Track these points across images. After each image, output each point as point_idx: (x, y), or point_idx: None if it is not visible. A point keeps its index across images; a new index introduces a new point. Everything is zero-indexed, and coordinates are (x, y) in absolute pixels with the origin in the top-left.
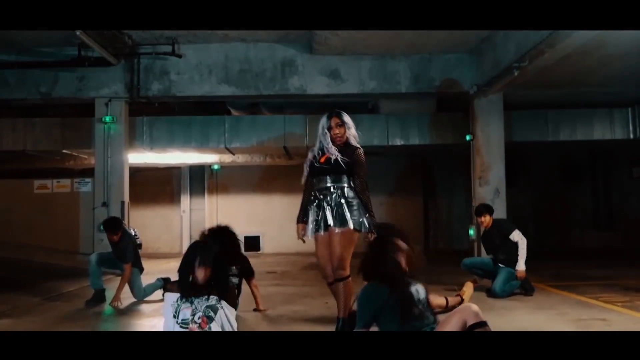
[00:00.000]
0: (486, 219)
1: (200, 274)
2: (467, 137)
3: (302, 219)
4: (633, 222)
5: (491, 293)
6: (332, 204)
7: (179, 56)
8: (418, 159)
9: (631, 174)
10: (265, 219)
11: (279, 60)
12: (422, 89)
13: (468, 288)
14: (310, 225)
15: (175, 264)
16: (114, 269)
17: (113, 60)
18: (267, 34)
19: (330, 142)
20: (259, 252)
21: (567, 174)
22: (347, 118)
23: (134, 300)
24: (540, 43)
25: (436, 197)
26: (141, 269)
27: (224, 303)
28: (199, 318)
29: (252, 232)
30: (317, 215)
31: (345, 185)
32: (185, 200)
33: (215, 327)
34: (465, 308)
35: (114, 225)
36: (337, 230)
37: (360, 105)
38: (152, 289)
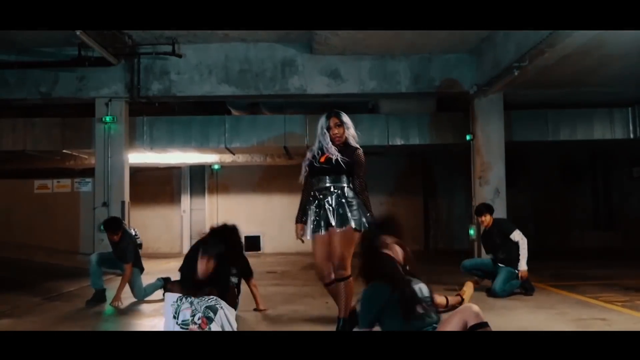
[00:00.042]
0: (487, 219)
1: (202, 265)
2: (467, 137)
3: (301, 218)
4: (633, 222)
5: (491, 293)
6: (333, 204)
7: (179, 56)
8: (418, 158)
9: (631, 174)
10: (266, 219)
11: (279, 60)
12: (422, 89)
13: (468, 288)
14: (311, 225)
15: (176, 263)
16: (114, 269)
17: (113, 60)
18: (267, 34)
19: (330, 142)
20: (259, 252)
21: (567, 173)
22: (345, 118)
23: (134, 300)
24: (540, 43)
25: (436, 197)
26: (141, 269)
27: (223, 303)
28: (198, 319)
29: (252, 232)
30: (317, 215)
31: (345, 185)
32: (185, 200)
33: (215, 327)
34: (466, 309)
35: (114, 225)
36: (338, 230)
37: (361, 105)
38: (152, 288)
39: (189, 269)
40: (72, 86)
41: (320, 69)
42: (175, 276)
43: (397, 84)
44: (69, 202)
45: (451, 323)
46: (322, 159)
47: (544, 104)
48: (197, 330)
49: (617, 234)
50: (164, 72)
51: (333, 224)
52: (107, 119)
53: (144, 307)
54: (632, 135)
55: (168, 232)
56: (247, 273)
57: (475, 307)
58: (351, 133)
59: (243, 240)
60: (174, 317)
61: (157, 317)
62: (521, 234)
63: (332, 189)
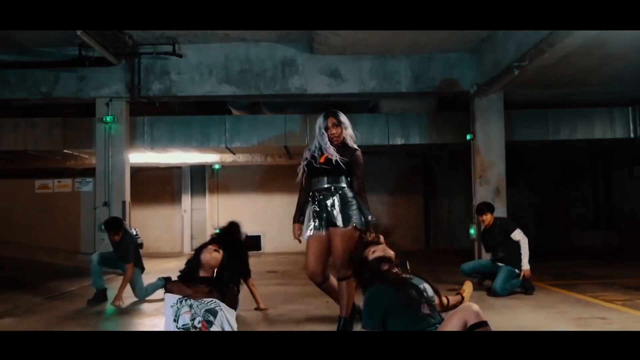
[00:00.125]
0: (487, 217)
1: (207, 255)
2: (468, 137)
3: (299, 218)
4: (633, 221)
5: (492, 292)
6: (333, 204)
7: (180, 56)
8: (418, 158)
9: (631, 173)
10: (266, 219)
11: (279, 60)
12: (422, 89)
13: (468, 287)
14: (309, 225)
15: (177, 263)
16: (115, 269)
17: (114, 60)
18: (267, 34)
19: (328, 142)
20: (260, 251)
21: (568, 173)
22: (343, 118)
23: (135, 299)
24: (540, 42)
25: (437, 197)
26: (142, 269)
27: (223, 305)
28: (198, 322)
29: (253, 232)
30: (317, 215)
31: (345, 185)
32: (186, 199)
33: (215, 330)
34: (466, 308)
35: (115, 225)
36: (341, 229)
37: (361, 105)
38: (153, 288)
39: (192, 263)
40: (72, 86)
41: (321, 69)
42: (176, 276)
43: (397, 84)
44: (70, 202)
45: (451, 322)
46: (322, 160)
47: (544, 103)
48: None
49: (617, 233)
50: (165, 72)
51: (337, 223)
52: (108, 118)
53: (145, 306)
54: (632, 135)
55: (169, 231)
56: (245, 273)
57: (475, 306)
58: (349, 133)
59: (244, 239)
60: (175, 320)
61: (158, 316)
62: (522, 233)
63: (332, 189)
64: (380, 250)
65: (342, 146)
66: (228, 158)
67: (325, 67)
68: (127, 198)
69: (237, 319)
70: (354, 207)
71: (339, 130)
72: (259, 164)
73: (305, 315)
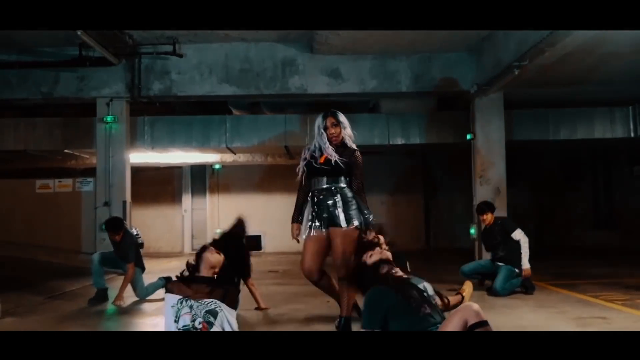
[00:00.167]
0: (488, 217)
1: (209, 255)
2: (468, 136)
3: (297, 218)
4: (634, 221)
5: (492, 291)
6: (335, 204)
7: (180, 56)
8: (418, 158)
9: (632, 173)
10: (267, 218)
11: (279, 60)
12: (422, 88)
13: (468, 287)
14: (309, 224)
15: (177, 263)
16: (116, 269)
17: (114, 60)
18: (267, 34)
19: (327, 143)
20: (260, 251)
21: (568, 172)
22: (342, 117)
23: (136, 299)
24: (540, 42)
25: (437, 196)
26: (143, 268)
27: (223, 305)
28: (199, 323)
29: (253, 232)
30: (317, 215)
31: (344, 185)
32: (186, 199)
33: (215, 330)
34: (466, 307)
35: (116, 225)
36: (343, 228)
37: (361, 105)
38: (154, 288)
39: (194, 263)
40: (73, 86)
41: (321, 69)
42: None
43: (397, 84)
44: (71, 201)
45: (451, 322)
46: (322, 160)
47: (544, 102)
48: None
49: (617, 232)
50: (165, 71)
51: (339, 223)
52: (108, 118)
53: (146, 306)
54: (632, 134)
55: (169, 231)
56: (246, 273)
57: (475, 306)
58: (348, 133)
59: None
60: (175, 321)
61: (159, 316)
62: (523, 232)
63: (332, 190)
64: (377, 254)
65: (341, 146)
66: (228, 158)
67: (325, 67)
68: (128, 198)
69: (238, 318)
70: (354, 207)
71: (338, 130)
72: (259, 164)
73: (306, 315)
